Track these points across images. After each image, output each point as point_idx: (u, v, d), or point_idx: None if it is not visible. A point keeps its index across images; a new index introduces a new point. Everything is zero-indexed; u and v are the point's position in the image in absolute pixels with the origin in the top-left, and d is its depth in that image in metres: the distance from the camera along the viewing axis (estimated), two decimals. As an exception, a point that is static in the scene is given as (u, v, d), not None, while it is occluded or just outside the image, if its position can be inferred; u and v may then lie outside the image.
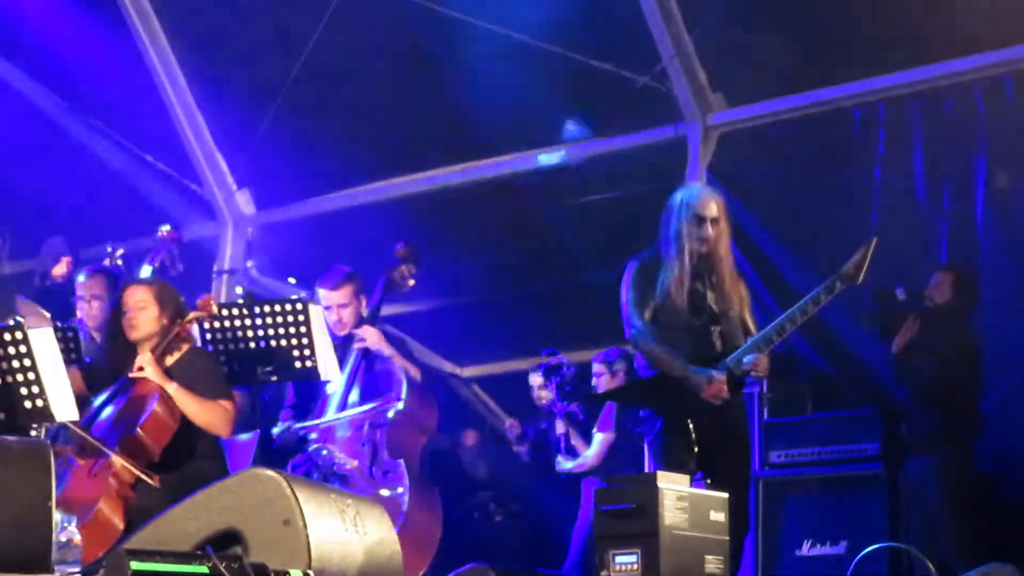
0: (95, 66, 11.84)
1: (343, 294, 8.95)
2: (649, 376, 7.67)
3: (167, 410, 7.34)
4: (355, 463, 8.56)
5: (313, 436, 8.75)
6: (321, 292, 8.98)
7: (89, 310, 9.07)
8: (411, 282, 9.03)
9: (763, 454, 9.40)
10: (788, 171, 10.31)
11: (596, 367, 10.30)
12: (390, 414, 8.64)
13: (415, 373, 8.83)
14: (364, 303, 9.00)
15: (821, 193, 10.08)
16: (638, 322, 7.58)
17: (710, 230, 7.60)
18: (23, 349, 7.01)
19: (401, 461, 8.58)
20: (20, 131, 11.90)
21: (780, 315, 7.70)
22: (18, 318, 7.72)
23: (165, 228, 10.00)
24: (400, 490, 8.49)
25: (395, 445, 8.64)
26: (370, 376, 8.85)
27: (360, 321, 8.95)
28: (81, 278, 9.25)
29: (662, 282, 7.59)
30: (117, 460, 7.17)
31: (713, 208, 7.65)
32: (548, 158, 11.11)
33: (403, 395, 8.70)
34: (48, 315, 8.73)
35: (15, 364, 7.02)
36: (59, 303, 9.93)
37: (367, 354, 8.85)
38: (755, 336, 7.58)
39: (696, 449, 7.37)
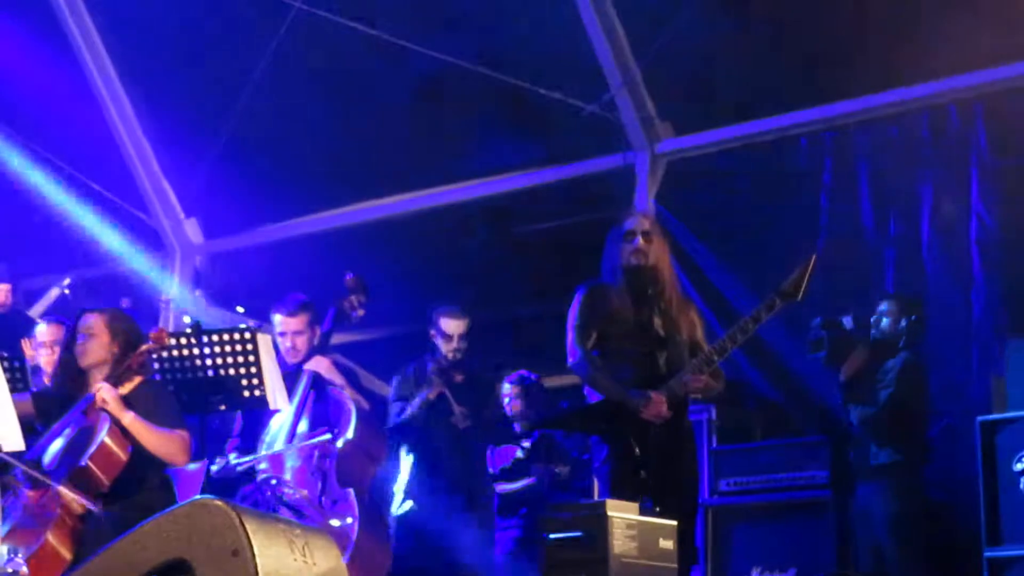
0: (42, 94, 11.79)
1: (299, 321, 8.94)
2: (595, 402, 7.69)
3: (117, 441, 7.30)
4: (304, 493, 8.51)
5: (263, 466, 8.71)
6: (277, 318, 8.96)
7: (50, 356, 8.90)
8: (360, 312, 9.00)
9: (712, 482, 9.42)
10: (735, 199, 10.36)
11: (509, 388, 10.40)
12: (339, 444, 8.62)
13: (364, 403, 8.82)
14: (317, 332, 9.00)
15: (768, 221, 10.12)
16: (578, 349, 7.64)
17: (641, 242, 7.63)
18: (-32, 379, 6.97)
19: (351, 491, 8.54)
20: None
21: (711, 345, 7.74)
22: (-37, 349, 7.68)
23: None
24: (350, 520, 8.45)
25: (344, 475, 8.61)
26: (319, 406, 8.82)
27: (312, 350, 8.93)
28: (41, 326, 9.17)
29: (606, 308, 7.63)
30: (64, 492, 7.13)
31: (642, 222, 7.71)
32: (495, 186, 11.15)
33: (352, 425, 8.68)
34: (-7, 345, 8.68)
35: (-40, 395, 6.97)
36: (3, 332, 9.86)
37: (316, 384, 8.84)
38: (697, 357, 7.61)
39: (643, 476, 7.39)
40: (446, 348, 9.81)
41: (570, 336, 7.68)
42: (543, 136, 11.00)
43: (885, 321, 9.00)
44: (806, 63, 9.88)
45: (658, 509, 7.05)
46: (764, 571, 9.15)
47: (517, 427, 10.52)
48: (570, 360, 7.69)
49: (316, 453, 8.61)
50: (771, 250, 10.00)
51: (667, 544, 6.74)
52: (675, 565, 6.74)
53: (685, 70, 10.33)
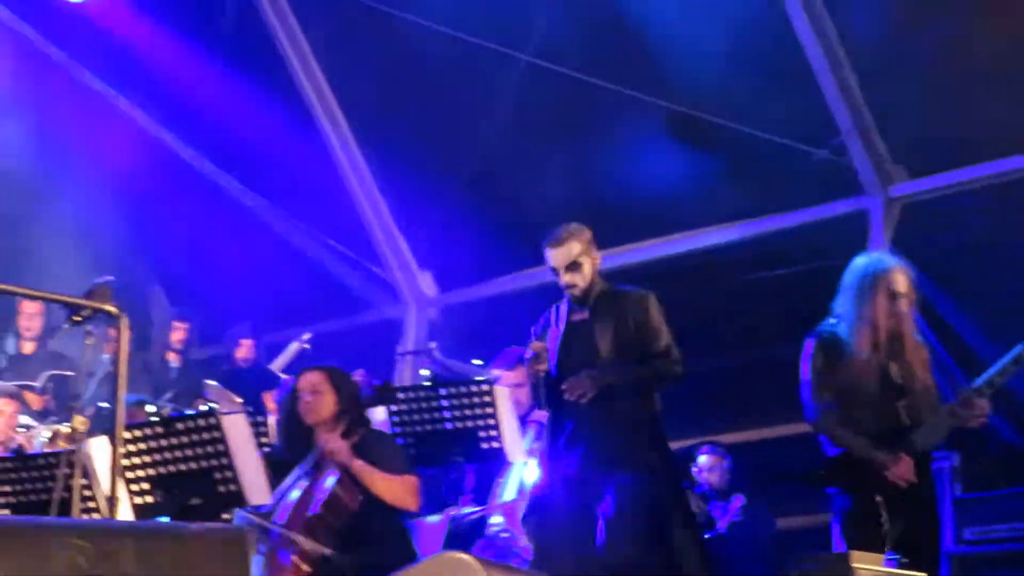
0: (278, 153, 12.08)
1: (517, 375, 8.99)
2: (835, 454, 7.59)
3: (346, 490, 7.41)
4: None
5: (495, 518, 8.76)
6: (496, 374, 9.02)
7: None
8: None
9: (957, 531, 9.25)
10: (972, 242, 10.19)
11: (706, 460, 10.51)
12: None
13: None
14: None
15: (1006, 262, 9.94)
16: (819, 404, 7.50)
17: (903, 306, 7.51)
18: (216, 435, 7.15)
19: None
20: (210, 219, 12.15)
21: (967, 387, 7.57)
22: (211, 404, 7.87)
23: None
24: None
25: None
26: (547, 456, 8.85)
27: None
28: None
29: (847, 361, 7.50)
30: (301, 542, 7.25)
31: (904, 283, 7.56)
32: (726, 234, 11.10)
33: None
34: (239, 400, 8.87)
35: (209, 450, 7.16)
36: (246, 386, 10.09)
37: (542, 435, 8.86)
38: (942, 410, 7.46)
39: (887, 527, 7.28)
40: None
41: (806, 392, 7.57)
42: (772, 183, 10.93)
43: None
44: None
45: (905, 561, 6.93)
46: (1011, 622, 8.97)
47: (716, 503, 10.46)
48: (809, 416, 7.57)
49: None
50: (1011, 293, 9.81)
51: (913, 595, 6.64)
52: (922, 616, 6.64)
53: (917, 111, 10.19)
